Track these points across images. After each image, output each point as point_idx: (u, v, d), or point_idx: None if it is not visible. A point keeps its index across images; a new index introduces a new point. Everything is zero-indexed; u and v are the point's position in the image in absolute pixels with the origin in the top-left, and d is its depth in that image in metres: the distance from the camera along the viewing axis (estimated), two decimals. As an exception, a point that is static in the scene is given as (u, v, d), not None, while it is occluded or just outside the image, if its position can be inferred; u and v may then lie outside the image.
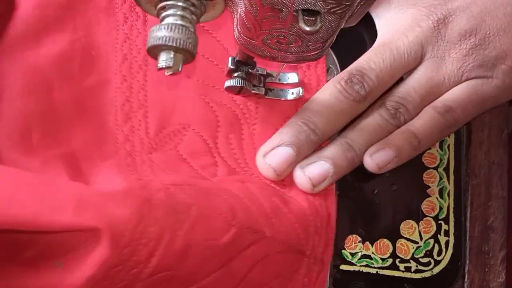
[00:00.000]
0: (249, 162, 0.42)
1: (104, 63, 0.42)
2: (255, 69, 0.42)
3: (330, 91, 0.42)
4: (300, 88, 0.45)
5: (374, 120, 0.42)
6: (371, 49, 0.44)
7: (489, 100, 0.44)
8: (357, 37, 0.47)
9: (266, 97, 0.44)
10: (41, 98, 0.38)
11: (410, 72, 0.44)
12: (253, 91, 0.43)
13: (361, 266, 0.43)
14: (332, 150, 0.41)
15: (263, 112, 0.44)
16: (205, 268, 0.36)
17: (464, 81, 0.43)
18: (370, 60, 0.42)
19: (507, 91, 0.44)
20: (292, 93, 0.45)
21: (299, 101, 0.44)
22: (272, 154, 0.41)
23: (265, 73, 0.44)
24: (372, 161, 0.41)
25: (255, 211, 0.38)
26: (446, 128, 0.43)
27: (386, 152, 0.41)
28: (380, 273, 0.43)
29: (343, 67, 0.46)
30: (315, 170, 0.41)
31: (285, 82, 0.45)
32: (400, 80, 0.44)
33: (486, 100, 0.44)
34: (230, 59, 0.41)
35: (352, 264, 0.43)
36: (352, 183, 0.45)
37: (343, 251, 0.43)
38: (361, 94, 0.41)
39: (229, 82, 0.42)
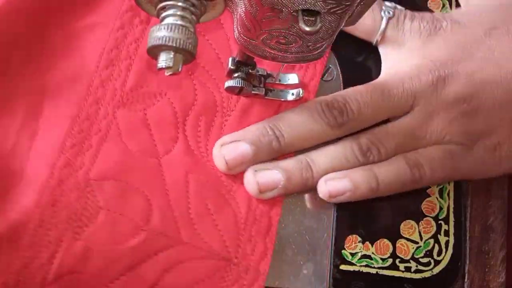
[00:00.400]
0: (209, 149, 0.42)
1: (109, 7, 0.42)
2: (255, 70, 0.42)
3: (309, 108, 0.42)
4: (300, 89, 0.45)
5: (343, 150, 0.41)
6: (367, 83, 0.43)
7: (461, 170, 0.43)
8: (357, 37, 0.47)
9: (266, 97, 0.44)
10: (33, 23, 0.39)
11: (396, 117, 0.43)
12: (253, 92, 0.43)
13: (361, 266, 0.43)
14: (290, 164, 0.41)
15: (241, 107, 0.44)
16: (111, 271, 0.36)
17: (445, 143, 0.42)
18: (358, 93, 0.42)
19: (482, 167, 0.43)
20: (292, 93, 0.45)
21: (281, 106, 0.44)
22: (230, 147, 0.41)
23: (265, 73, 0.44)
24: (326, 187, 0.41)
25: (176, 216, 0.38)
26: (410, 182, 0.42)
27: (342, 184, 0.41)
28: (380, 273, 0.43)
29: (343, 67, 0.46)
30: (266, 177, 0.40)
31: (285, 83, 0.45)
32: (386, 122, 0.43)
33: (458, 169, 0.43)
34: (230, 59, 0.41)
35: (352, 264, 0.43)
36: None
37: (343, 251, 0.43)
38: (337, 121, 0.41)
39: (229, 83, 0.42)
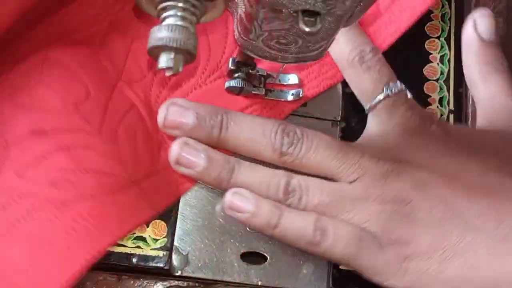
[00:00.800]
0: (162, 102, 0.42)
1: None
2: (255, 70, 0.42)
3: (267, 123, 0.41)
4: (300, 89, 0.45)
5: (270, 177, 0.40)
6: (332, 136, 0.42)
7: (362, 260, 0.39)
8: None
9: (266, 97, 0.44)
10: None
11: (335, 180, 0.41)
12: (253, 92, 0.43)
13: (360, 265, 0.43)
14: (218, 157, 0.40)
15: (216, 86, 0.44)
16: None
17: (362, 227, 0.40)
18: (319, 138, 0.41)
19: (383, 270, 0.39)
20: (292, 94, 0.45)
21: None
22: (177, 109, 0.40)
23: (265, 74, 0.44)
24: (231, 197, 0.40)
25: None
26: (305, 242, 0.39)
27: (246, 205, 0.39)
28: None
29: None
30: (189, 154, 0.40)
31: (285, 83, 0.45)
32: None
33: (359, 258, 0.39)
34: (230, 59, 0.42)
35: (352, 263, 0.43)
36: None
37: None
38: (282, 149, 0.40)
39: (230, 83, 0.42)
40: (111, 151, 0.39)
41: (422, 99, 0.48)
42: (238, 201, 0.40)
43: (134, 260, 0.41)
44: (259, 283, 0.41)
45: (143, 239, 0.41)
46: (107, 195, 0.38)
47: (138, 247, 0.41)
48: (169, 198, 0.41)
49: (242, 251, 0.42)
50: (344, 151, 0.40)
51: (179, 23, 0.31)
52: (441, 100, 0.49)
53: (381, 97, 0.43)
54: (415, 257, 0.39)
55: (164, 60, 0.30)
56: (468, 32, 0.48)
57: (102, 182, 0.38)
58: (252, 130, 0.41)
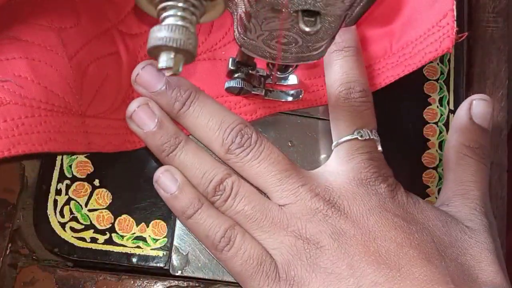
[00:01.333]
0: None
1: None
2: (255, 70, 0.42)
3: (229, 116, 0.41)
4: (299, 90, 0.45)
5: (209, 165, 0.40)
6: (289, 162, 0.41)
7: (251, 282, 0.39)
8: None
9: (266, 98, 0.44)
10: None
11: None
12: (253, 92, 0.43)
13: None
14: (169, 128, 0.40)
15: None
16: None
17: (270, 253, 0.39)
18: (274, 152, 0.41)
19: None
20: (292, 94, 0.45)
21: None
22: (151, 71, 0.41)
23: (265, 74, 0.44)
24: (160, 174, 0.40)
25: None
26: (212, 246, 0.39)
27: (170, 186, 0.40)
28: None
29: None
30: (144, 113, 0.40)
31: (285, 83, 0.45)
32: None
33: (251, 280, 0.39)
34: (230, 60, 0.42)
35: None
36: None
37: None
38: (230, 146, 0.40)
39: (230, 83, 0.42)
40: (73, 79, 0.40)
41: (422, 99, 0.48)
42: (166, 179, 0.40)
43: (134, 260, 0.41)
44: (259, 283, 0.41)
45: (143, 239, 0.41)
46: (47, 111, 0.38)
47: (138, 247, 0.41)
48: (107, 146, 0.42)
49: (242, 251, 0.42)
50: (288, 173, 0.40)
51: (179, 23, 0.30)
52: (441, 100, 0.49)
53: (349, 137, 0.42)
54: None
55: (164, 60, 0.30)
56: (461, 111, 0.46)
57: (49, 99, 0.38)
58: (211, 117, 0.41)
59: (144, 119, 0.40)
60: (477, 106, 0.45)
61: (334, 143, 0.43)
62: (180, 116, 0.41)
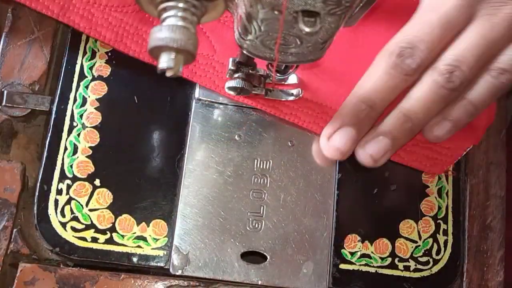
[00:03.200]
0: None
1: None
2: (255, 70, 0.43)
3: (383, 67, 0.41)
4: (299, 89, 0.45)
5: (428, 87, 0.41)
6: (417, 15, 0.42)
7: None
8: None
9: (266, 97, 0.44)
10: None
11: (460, 32, 0.42)
12: (253, 92, 0.43)
13: (360, 265, 0.43)
14: (390, 124, 0.42)
15: None
16: None
17: None
18: (419, 30, 0.41)
19: None
20: (292, 93, 0.45)
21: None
22: (336, 137, 0.42)
23: (265, 74, 0.44)
24: (432, 134, 0.43)
25: None
26: (500, 90, 0.42)
27: (446, 125, 0.42)
28: (379, 272, 0.43)
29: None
30: (375, 147, 0.42)
31: (285, 83, 0.45)
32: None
33: None
34: (230, 60, 0.42)
35: (352, 263, 0.43)
36: (352, 183, 0.45)
37: (342, 250, 0.43)
38: (413, 67, 0.41)
39: (230, 83, 0.42)
40: None
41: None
42: (440, 131, 0.43)
43: (135, 259, 0.41)
44: (259, 282, 0.41)
45: (143, 238, 0.41)
46: None
47: (139, 246, 0.41)
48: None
49: (242, 251, 0.42)
50: (441, 12, 0.40)
51: (180, 23, 0.31)
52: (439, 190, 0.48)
53: None
54: None
55: (165, 60, 0.30)
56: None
57: None
58: (385, 83, 0.41)
59: (379, 149, 0.42)
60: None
61: None
62: (380, 112, 0.42)
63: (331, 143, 0.42)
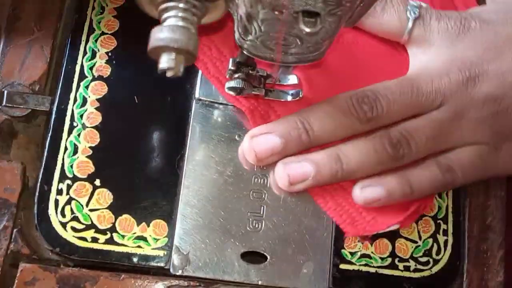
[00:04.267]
0: None
1: None
2: (255, 70, 0.43)
3: (339, 102, 0.42)
4: (299, 89, 0.45)
5: (372, 143, 0.41)
6: (395, 79, 0.43)
7: (492, 169, 0.43)
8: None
9: (266, 98, 0.44)
10: None
11: (423, 114, 0.43)
12: (253, 92, 0.43)
13: (360, 265, 0.43)
14: (320, 156, 0.41)
15: None
16: None
17: (474, 143, 0.42)
18: (389, 89, 0.42)
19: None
20: (292, 94, 0.45)
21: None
22: (260, 139, 0.41)
23: (265, 74, 0.44)
24: (361, 194, 0.42)
25: None
26: (442, 186, 0.42)
27: (377, 191, 0.41)
28: (379, 272, 0.43)
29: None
30: (296, 169, 0.41)
31: (285, 83, 0.45)
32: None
33: (489, 169, 0.43)
34: (230, 60, 0.42)
35: (352, 263, 0.43)
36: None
37: (342, 250, 0.43)
38: (367, 115, 0.41)
39: (230, 83, 0.42)
40: None
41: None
42: (369, 193, 0.41)
43: (135, 259, 0.41)
44: (259, 282, 0.41)
45: (144, 238, 0.41)
46: None
47: (139, 246, 0.41)
48: None
49: (242, 251, 0.42)
50: (414, 86, 0.42)
51: (180, 23, 0.31)
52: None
53: (410, 25, 0.43)
54: None
55: (165, 61, 0.30)
56: None
57: None
58: (332, 116, 0.41)
59: (300, 174, 0.41)
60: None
61: (403, 40, 0.44)
62: (314, 141, 0.42)
63: (251, 143, 0.42)
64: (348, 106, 0.41)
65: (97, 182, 0.42)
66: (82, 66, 0.45)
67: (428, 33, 0.43)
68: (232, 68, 0.42)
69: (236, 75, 0.42)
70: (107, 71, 0.45)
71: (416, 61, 0.45)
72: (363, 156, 0.41)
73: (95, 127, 0.43)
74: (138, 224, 0.42)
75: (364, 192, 0.42)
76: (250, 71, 0.42)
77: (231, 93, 0.44)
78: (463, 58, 0.42)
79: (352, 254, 0.43)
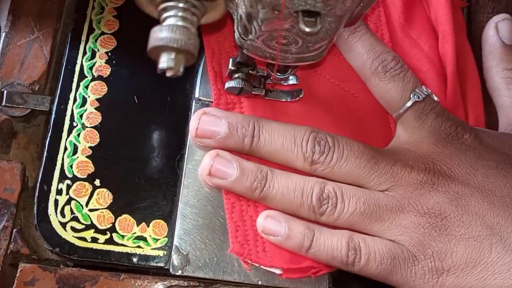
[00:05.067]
0: None
1: None
2: (255, 70, 0.43)
3: (297, 131, 0.40)
4: (299, 90, 0.45)
5: (303, 183, 0.40)
6: (363, 143, 0.41)
7: (396, 276, 0.39)
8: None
9: (266, 98, 0.44)
10: None
11: (368, 188, 0.41)
12: (253, 92, 0.43)
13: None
14: (250, 167, 0.40)
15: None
16: None
17: (396, 241, 0.39)
18: (351, 146, 0.40)
19: (418, 285, 0.39)
20: (292, 94, 0.45)
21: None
22: (209, 118, 0.41)
23: (265, 74, 0.44)
24: (263, 221, 0.40)
25: None
26: (339, 262, 0.39)
27: (278, 228, 0.40)
28: None
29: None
30: (222, 164, 0.40)
31: (285, 84, 0.45)
32: None
33: (393, 273, 0.39)
34: (230, 60, 0.42)
35: (352, 263, 0.43)
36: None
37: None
38: (313, 157, 0.39)
39: (230, 83, 0.42)
40: None
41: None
42: (271, 225, 0.40)
43: (135, 259, 0.41)
44: (259, 282, 0.41)
45: (143, 238, 0.41)
46: None
47: (139, 246, 0.41)
48: None
49: (242, 251, 0.42)
50: (375, 159, 0.40)
51: (180, 23, 0.31)
52: None
53: (409, 104, 0.42)
54: (452, 273, 0.38)
55: (165, 61, 0.30)
56: (490, 36, 0.47)
57: None
58: (283, 138, 0.40)
59: (223, 171, 0.40)
60: (503, 28, 0.46)
61: (395, 116, 0.43)
62: (253, 150, 0.41)
63: (199, 117, 0.41)
64: (302, 137, 0.40)
65: (97, 182, 0.42)
66: (81, 66, 0.45)
67: (420, 123, 0.42)
68: (232, 68, 0.42)
69: (236, 75, 0.42)
70: (106, 71, 0.45)
71: (395, 139, 0.44)
72: (289, 190, 0.39)
73: (95, 127, 0.43)
74: (138, 224, 0.42)
75: (267, 221, 0.40)
76: (250, 71, 0.42)
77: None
78: (435, 161, 0.40)
79: (352, 254, 0.43)
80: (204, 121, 0.41)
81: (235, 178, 0.40)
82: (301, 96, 0.45)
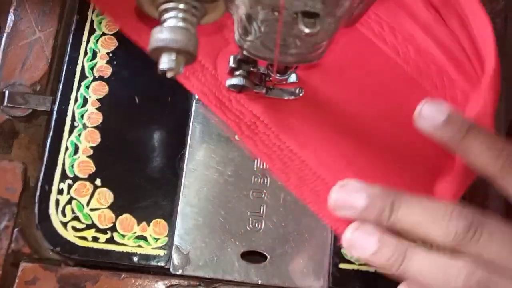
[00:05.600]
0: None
1: None
2: (256, 68, 0.43)
3: (441, 207, 0.37)
4: (300, 88, 0.45)
5: (447, 266, 0.36)
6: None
7: None
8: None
9: (266, 96, 0.44)
10: None
11: None
12: (254, 90, 0.43)
13: (360, 264, 0.43)
14: (390, 241, 0.37)
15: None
16: None
17: None
18: (498, 227, 0.37)
19: None
20: (292, 92, 0.45)
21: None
22: (347, 189, 0.39)
23: (266, 72, 0.44)
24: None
25: None
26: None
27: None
28: (379, 271, 0.43)
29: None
30: (361, 240, 0.38)
31: (285, 82, 0.45)
32: None
33: None
34: (231, 57, 0.42)
35: (351, 262, 0.43)
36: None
37: (342, 249, 0.43)
38: (456, 236, 0.36)
39: (231, 81, 0.42)
40: None
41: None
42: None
43: (135, 259, 0.41)
44: (259, 282, 0.42)
45: (144, 238, 0.41)
46: None
47: (139, 246, 0.41)
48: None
49: (242, 250, 0.42)
50: None
51: (180, 24, 0.31)
52: None
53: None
54: None
55: (165, 61, 0.30)
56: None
57: None
58: (423, 213, 0.37)
59: (362, 244, 0.37)
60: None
61: None
62: (389, 222, 0.37)
63: (338, 188, 0.39)
64: (443, 214, 0.37)
65: (98, 181, 0.42)
66: (83, 66, 0.45)
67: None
68: (233, 65, 0.42)
69: (237, 73, 0.42)
70: (107, 71, 0.45)
71: None
72: (430, 273, 0.36)
73: (96, 127, 0.43)
74: (138, 224, 0.42)
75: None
76: (251, 69, 0.42)
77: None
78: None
79: (351, 253, 0.43)
80: (343, 192, 0.39)
81: (372, 253, 0.37)
82: (301, 94, 0.45)
